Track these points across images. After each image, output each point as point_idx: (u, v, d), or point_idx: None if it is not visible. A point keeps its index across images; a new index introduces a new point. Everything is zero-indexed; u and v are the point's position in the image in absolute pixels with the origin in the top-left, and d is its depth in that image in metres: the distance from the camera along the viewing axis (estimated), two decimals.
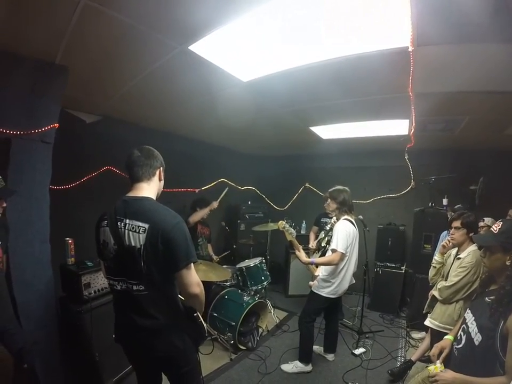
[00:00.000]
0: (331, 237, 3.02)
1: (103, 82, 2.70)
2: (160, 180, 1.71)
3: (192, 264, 1.53)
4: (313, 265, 3.16)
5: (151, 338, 1.54)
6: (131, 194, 1.60)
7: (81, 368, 2.57)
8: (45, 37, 1.94)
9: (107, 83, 2.71)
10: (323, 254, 3.29)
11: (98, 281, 2.66)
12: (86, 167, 3.52)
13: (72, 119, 3.30)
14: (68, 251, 2.67)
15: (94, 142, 3.54)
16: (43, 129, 2.32)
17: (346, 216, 3.02)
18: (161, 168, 1.69)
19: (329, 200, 3.11)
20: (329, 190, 3.13)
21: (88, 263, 2.69)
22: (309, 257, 3.18)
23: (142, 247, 1.45)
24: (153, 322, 1.52)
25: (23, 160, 2.25)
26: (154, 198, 1.64)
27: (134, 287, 1.50)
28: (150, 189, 1.63)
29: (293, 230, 2.96)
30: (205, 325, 1.71)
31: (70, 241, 2.70)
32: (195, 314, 1.63)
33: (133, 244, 1.46)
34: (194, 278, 1.55)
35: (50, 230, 2.47)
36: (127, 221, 1.49)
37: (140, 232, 1.45)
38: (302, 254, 2.96)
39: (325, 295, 3.00)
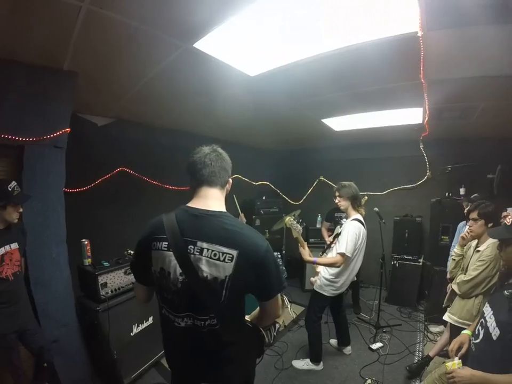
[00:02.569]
0: (339, 234, 2.95)
1: (111, 85, 2.73)
2: (227, 192, 1.37)
3: None
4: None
5: (226, 369, 1.29)
6: (198, 205, 1.25)
7: (100, 366, 2.64)
8: (51, 44, 1.97)
9: (116, 85, 2.74)
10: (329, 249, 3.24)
11: (115, 280, 2.74)
12: (99, 169, 3.58)
13: (84, 123, 3.38)
14: (84, 252, 2.75)
15: (106, 144, 3.61)
16: (55, 134, 2.38)
17: (356, 216, 2.94)
18: (230, 179, 1.38)
19: (338, 198, 3.00)
20: (336, 188, 3.04)
21: (105, 263, 2.77)
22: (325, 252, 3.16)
23: (227, 278, 1.15)
24: (227, 353, 1.27)
25: (37, 166, 2.32)
26: None
27: (205, 323, 1.21)
28: (222, 200, 1.31)
29: (299, 226, 2.90)
30: (266, 338, 1.53)
31: (86, 242, 2.77)
32: (261, 333, 1.48)
33: (215, 275, 1.15)
34: (279, 303, 1.36)
35: (67, 232, 2.54)
36: (204, 245, 1.16)
37: (226, 260, 1.14)
38: (305, 252, 2.89)
39: (327, 294, 2.97)
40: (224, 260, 1.14)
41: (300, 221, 3.00)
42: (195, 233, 1.18)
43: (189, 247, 1.17)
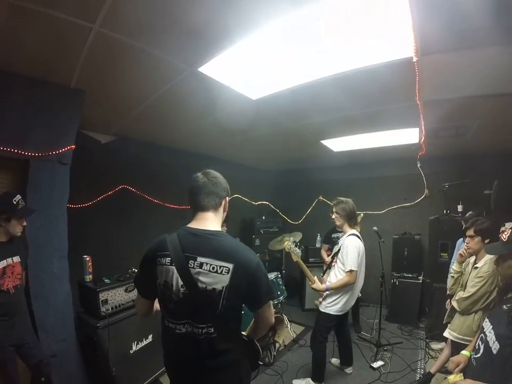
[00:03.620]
0: (339, 251, 2.94)
1: (116, 104, 2.81)
2: (224, 210, 1.52)
3: None
4: (320, 284, 3.08)
5: (220, 377, 1.40)
6: (197, 226, 1.41)
7: (99, 382, 2.60)
8: (61, 61, 2.06)
9: (120, 104, 2.82)
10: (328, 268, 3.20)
11: (116, 298, 2.73)
12: (102, 186, 3.63)
13: (88, 140, 3.44)
14: (86, 268, 2.75)
15: (109, 162, 3.67)
16: (61, 150, 2.43)
17: (353, 231, 2.94)
18: (227, 198, 1.51)
19: (335, 214, 3.01)
20: (333, 203, 3.05)
21: (106, 280, 2.77)
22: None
23: (224, 288, 1.29)
24: (222, 360, 1.38)
25: (41, 181, 2.36)
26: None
27: (202, 331, 1.33)
28: (217, 220, 1.47)
29: (298, 250, 2.91)
30: (260, 349, 1.63)
31: (87, 258, 2.77)
32: (256, 347, 1.57)
33: (213, 286, 1.29)
34: (272, 310, 1.50)
35: (69, 247, 2.55)
36: (204, 260, 1.31)
37: (223, 272, 1.29)
38: (317, 285, 2.88)
39: (333, 313, 2.93)
40: (221, 272, 1.29)
41: (298, 244, 3.00)
42: (195, 250, 1.33)
43: (190, 261, 1.31)
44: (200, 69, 2.14)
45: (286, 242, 2.95)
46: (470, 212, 3.66)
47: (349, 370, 3.38)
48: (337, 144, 4.40)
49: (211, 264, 1.30)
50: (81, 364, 2.58)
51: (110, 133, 3.68)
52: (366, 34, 1.79)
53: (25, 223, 2.16)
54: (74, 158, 2.57)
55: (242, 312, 1.50)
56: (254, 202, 6.02)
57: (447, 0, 1.50)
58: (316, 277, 2.95)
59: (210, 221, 1.43)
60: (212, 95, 2.58)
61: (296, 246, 2.91)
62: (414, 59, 1.95)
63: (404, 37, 1.79)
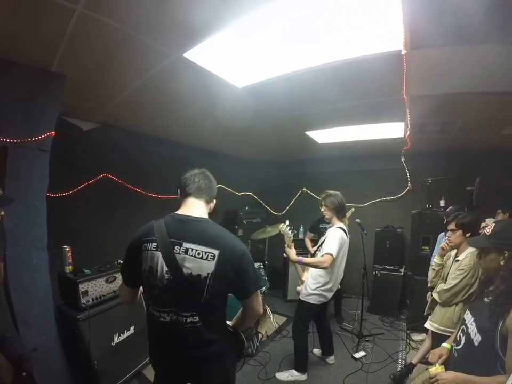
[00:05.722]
0: (323, 242, 2.96)
1: (99, 89, 2.70)
2: (210, 209, 1.55)
3: None
4: (301, 270, 3.10)
5: (206, 367, 1.40)
6: (185, 212, 1.42)
7: (81, 376, 2.56)
8: (41, 45, 1.94)
9: (103, 90, 2.71)
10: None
11: (96, 289, 2.68)
12: (83, 175, 3.52)
13: (69, 127, 3.32)
14: (65, 259, 2.68)
15: (90, 150, 3.56)
16: (40, 137, 2.33)
17: (339, 224, 2.97)
18: (214, 200, 1.56)
19: (324, 207, 3.02)
20: (322, 196, 3.05)
21: (86, 271, 2.71)
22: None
23: (209, 275, 1.29)
24: (208, 351, 1.38)
25: (20, 168, 2.25)
26: None
27: (187, 319, 1.32)
28: (205, 209, 1.48)
29: (291, 234, 2.92)
30: (245, 340, 1.63)
31: (67, 249, 2.70)
32: (241, 337, 1.57)
33: (198, 272, 1.29)
34: (260, 300, 1.49)
35: (48, 237, 2.46)
36: (189, 246, 1.31)
37: (209, 258, 1.29)
38: (292, 251, 2.86)
39: (313, 302, 2.96)
40: (207, 258, 1.29)
41: (292, 228, 3.01)
42: (181, 236, 1.33)
43: (175, 247, 1.32)
44: (185, 55, 2.06)
45: (282, 224, 2.95)
46: (451, 207, 3.74)
47: (331, 360, 3.44)
48: (322, 136, 4.39)
49: (196, 250, 1.30)
50: (63, 357, 2.52)
51: (93, 120, 3.56)
52: (355, 25, 1.75)
53: (3, 213, 2.07)
54: (54, 145, 2.46)
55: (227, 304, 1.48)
56: (237, 193, 5.99)
57: None
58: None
59: (199, 209, 1.44)
60: (197, 82, 2.51)
61: (290, 230, 2.91)
62: (403, 52, 1.94)
63: (393, 29, 1.76)
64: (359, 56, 2.06)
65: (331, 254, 2.73)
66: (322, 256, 2.80)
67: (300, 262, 2.84)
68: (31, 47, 1.98)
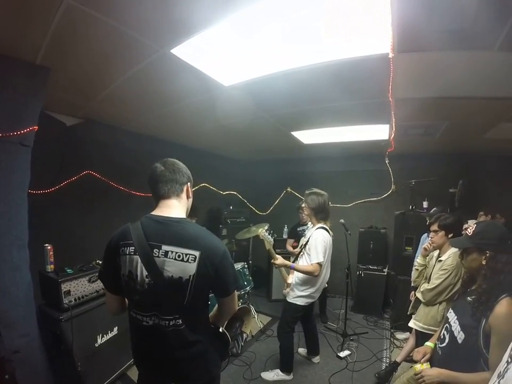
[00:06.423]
0: (307, 242, 2.92)
1: (83, 84, 2.63)
2: (188, 197, 1.49)
3: None
4: (287, 274, 3.06)
5: (189, 367, 1.39)
6: (160, 213, 1.37)
7: (64, 378, 2.49)
8: (26, 36, 1.88)
9: (88, 85, 2.64)
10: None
11: (79, 288, 2.62)
12: (65, 171, 3.41)
13: (52, 122, 3.22)
14: (47, 257, 2.61)
15: (74, 146, 3.45)
16: (22, 131, 2.24)
17: (321, 224, 2.92)
18: (188, 183, 1.48)
19: (304, 204, 2.98)
20: (306, 192, 2.98)
21: (68, 270, 2.64)
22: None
23: (191, 277, 1.26)
24: (191, 351, 1.36)
25: (1, 163, 2.16)
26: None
27: (170, 323, 1.30)
28: (181, 207, 1.43)
29: (271, 238, 2.91)
30: (230, 339, 1.62)
31: (49, 247, 2.63)
32: (221, 330, 1.56)
33: (179, 275, 1.26)
34: (236, 298, 1.51)
35: (29, 235, 2.37)
36: (169, 248, 1.27)
37: (190, 260, 1.26)
38: (279, 260, 2.86)
39: (300, 303, 2.96)
40: (187, 260, 1.26)
41: (271, 232, 3.00)
42: (159, 238, 1.29)
43: (154, 250, 1.28)
44: (172, 51, 2.03)
45: (260, 230, 2.93)
46: (435, 208, 3.84)
47: (316, 359, 3.46)
48: (308, 136, 4.41)
49: (177, 252, 1.27)
50: (45, 359, 2.44)
51: (77, 115, 3.45)
52: (344, 26, 1.77)
53: None
54: (37, 140, 2.37)
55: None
56: (222, 192, 5.96)
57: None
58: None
59: (174, 208, 1.40)
60: (183, 79, 2.47)
61: (269, 234, 2.90)
62: (390, 55, 1.96)
63: (382, 32, 1.79)
64: (346, 58, 2.08)
65: (319, 263, 2.75)
66: (311, 265, 2.78)
67: (292, 268, 2.85)
68: (15, 38, 1.91)
